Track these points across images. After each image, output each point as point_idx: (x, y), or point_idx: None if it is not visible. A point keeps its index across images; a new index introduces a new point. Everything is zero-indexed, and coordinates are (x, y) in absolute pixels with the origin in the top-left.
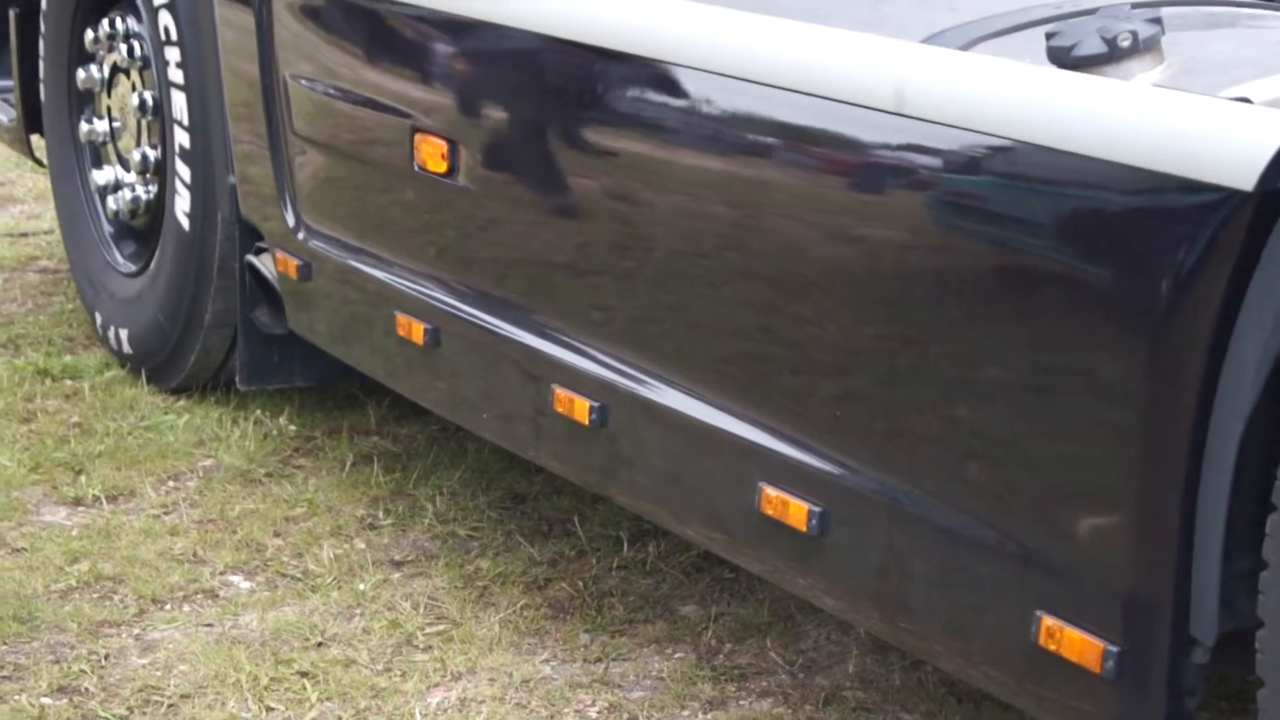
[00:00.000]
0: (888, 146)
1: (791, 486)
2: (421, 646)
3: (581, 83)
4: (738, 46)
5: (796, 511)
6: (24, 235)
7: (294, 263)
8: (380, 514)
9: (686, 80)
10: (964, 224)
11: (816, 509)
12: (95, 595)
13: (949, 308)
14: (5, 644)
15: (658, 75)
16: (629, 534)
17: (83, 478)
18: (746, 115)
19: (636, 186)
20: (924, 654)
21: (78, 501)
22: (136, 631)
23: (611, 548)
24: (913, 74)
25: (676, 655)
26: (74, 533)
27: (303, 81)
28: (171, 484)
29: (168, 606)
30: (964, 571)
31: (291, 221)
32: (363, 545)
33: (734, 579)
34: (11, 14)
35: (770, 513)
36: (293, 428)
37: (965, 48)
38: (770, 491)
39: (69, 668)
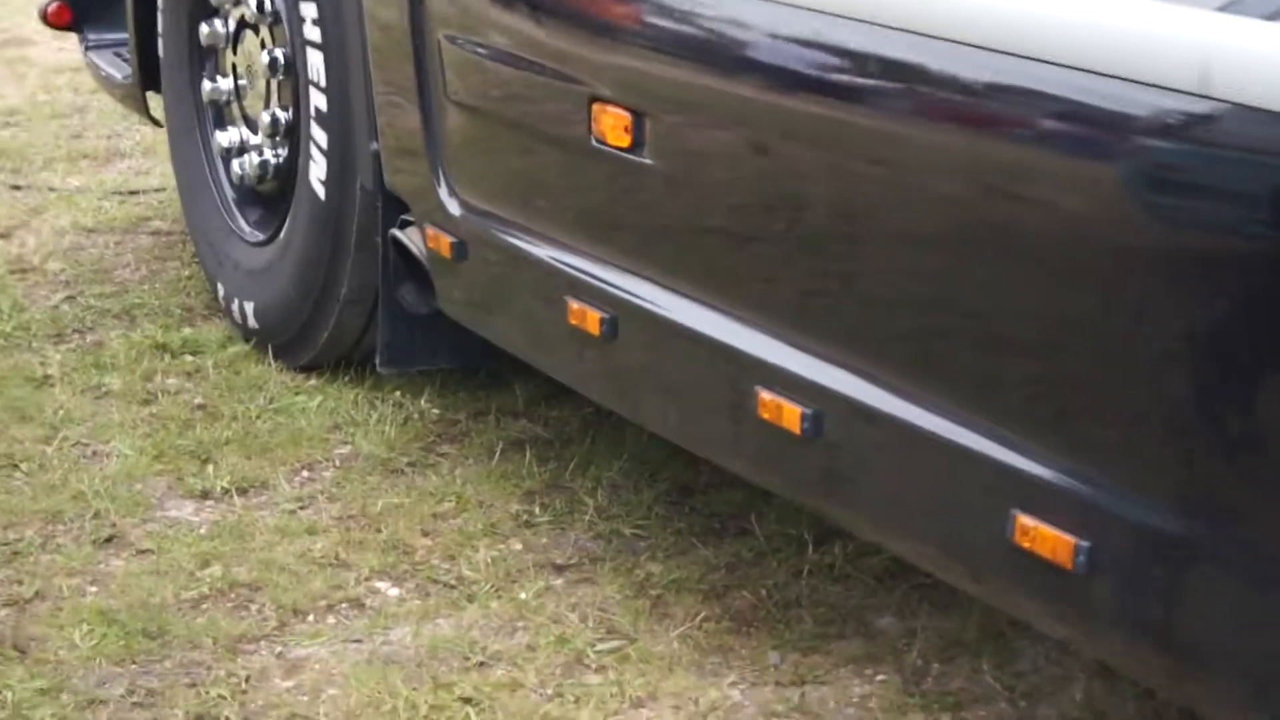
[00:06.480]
0: (1190, 133)
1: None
2: (594, 667)
3: (798, 54)
4: (1010, 19)
5: None
6: (133, 193)
7: (447, 240)
8: (536, 510)
9: (931, 52)
10: None
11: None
12: (230, 605)
13: None
14: (136, 663)
15: (890, 44)
16: (813, 534)
17: (210, 467)
18: (1019, 94)
19: (862, 165)
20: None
21: (205, 495)
22: (278, 649)
23: (794, 550)
24: (1219, 49)
25: (879, 678)
26: (203, 531)
27: (460, 42)
28: (306, 474)
29: (310, 618)
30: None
31: (445, 195)
32: (519, 546)
33: (932, 587)
34: None
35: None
36: (435, 411)
37: (1273, 17)
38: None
39: (206, 693)
